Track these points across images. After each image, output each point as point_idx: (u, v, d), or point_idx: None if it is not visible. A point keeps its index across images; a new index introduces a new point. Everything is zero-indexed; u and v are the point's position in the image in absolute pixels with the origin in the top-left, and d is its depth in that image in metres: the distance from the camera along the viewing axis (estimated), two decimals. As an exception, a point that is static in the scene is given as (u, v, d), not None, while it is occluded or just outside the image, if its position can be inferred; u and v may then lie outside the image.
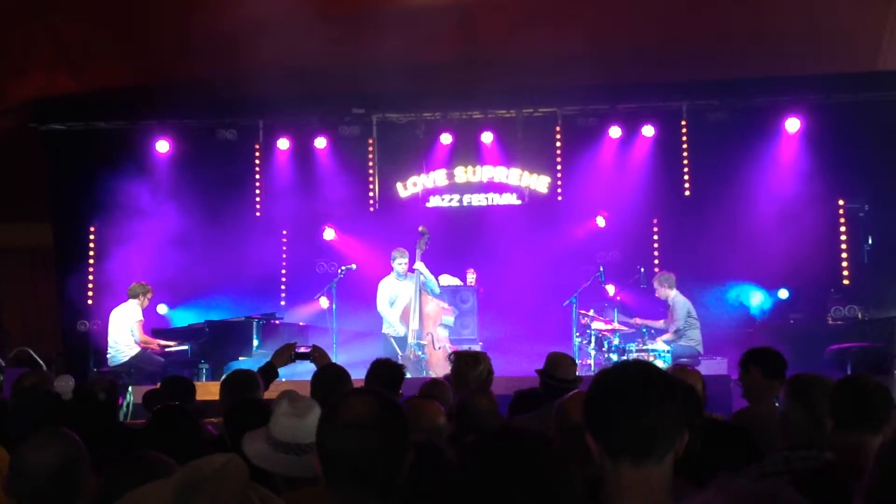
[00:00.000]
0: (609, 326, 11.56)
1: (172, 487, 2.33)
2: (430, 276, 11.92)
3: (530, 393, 6.38)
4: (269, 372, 5.96)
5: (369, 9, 11.91)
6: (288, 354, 6.14)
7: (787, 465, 3.75)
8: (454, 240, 13.45)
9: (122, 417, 9.36)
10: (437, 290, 12.08)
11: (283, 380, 6.20)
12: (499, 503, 2.03)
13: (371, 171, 14.13)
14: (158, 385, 7.11)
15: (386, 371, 5.71)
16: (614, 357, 11.01)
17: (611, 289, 12.44)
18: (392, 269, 11.95)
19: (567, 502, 2.08)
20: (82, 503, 3.20)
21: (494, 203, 13.94)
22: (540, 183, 13.81)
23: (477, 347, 11.33)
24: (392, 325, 11.87)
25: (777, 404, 5.33)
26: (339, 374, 5.33)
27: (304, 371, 6.53)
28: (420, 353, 11.61)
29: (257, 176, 14.29)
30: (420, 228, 11.92)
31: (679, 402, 2.38)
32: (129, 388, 10.25)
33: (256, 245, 13.60)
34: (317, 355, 6.12)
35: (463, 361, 6.23)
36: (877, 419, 3.59)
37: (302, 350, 6.19)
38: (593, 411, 2.41)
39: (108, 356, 11.64)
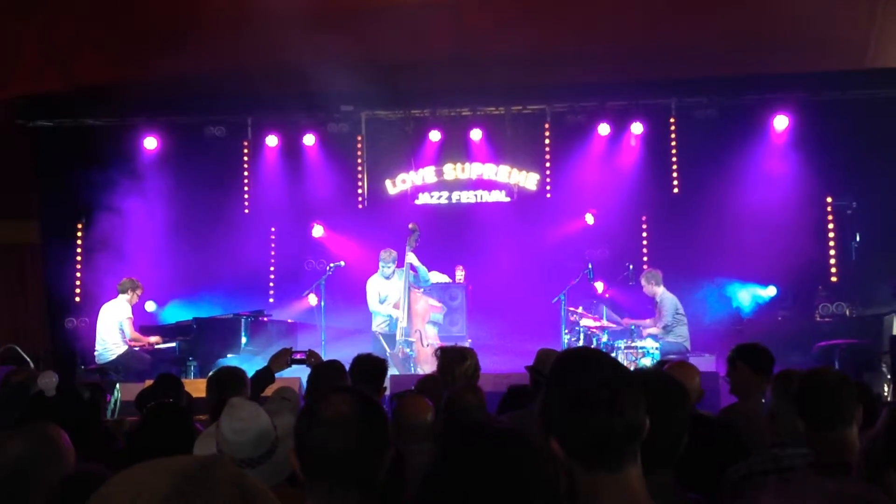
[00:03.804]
0: (598, 323, 11.57)
1: (168, 475, 2.29)
2: (421, 266, 11.91)
3: (523, 389, 6.37)
4: (265, 377, 6.00)
5: (358, 6, 11.88)
6: (285, 360, 6.22)
7: (776, 463, 3.75)
8: (443, 237, 13.45)
9: (109, 415, 9.34)
10: (430, 281, 12.09)
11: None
12: (474, 502, 1.95)
13: (360, 168, 14.12)
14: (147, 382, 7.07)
15: (369, 366, 5.75)
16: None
17: (599, 286, 12.46)
18: (378, 268, 11.97)
19: (544, 501, 1.98)
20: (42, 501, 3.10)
21: (483, 200, 13.95)
22: (529, 180, 13.82)
23: (466, 344, 11.29)
24: (388, 316, 11.88)
25: (764, 401, 5.36)
26: (337, 370, 5.38)
27: (294, 368, 6.59)
28: (409, 350, 11.61)
29: (246, 173, 14.26)
30: (410, 226, 11.91)
31: (643, 392, 2.17)
32: (117, 386, 10.21)
33: (245, 242, 13.58)
34: (312, 360, 6.23)
35: (450, 356, 6.24)
36: (849, 414, 3.53)
37: (298, 356, 6.30)
38: (558, 416, 2.15)
39: (95, 353, 11.56)
